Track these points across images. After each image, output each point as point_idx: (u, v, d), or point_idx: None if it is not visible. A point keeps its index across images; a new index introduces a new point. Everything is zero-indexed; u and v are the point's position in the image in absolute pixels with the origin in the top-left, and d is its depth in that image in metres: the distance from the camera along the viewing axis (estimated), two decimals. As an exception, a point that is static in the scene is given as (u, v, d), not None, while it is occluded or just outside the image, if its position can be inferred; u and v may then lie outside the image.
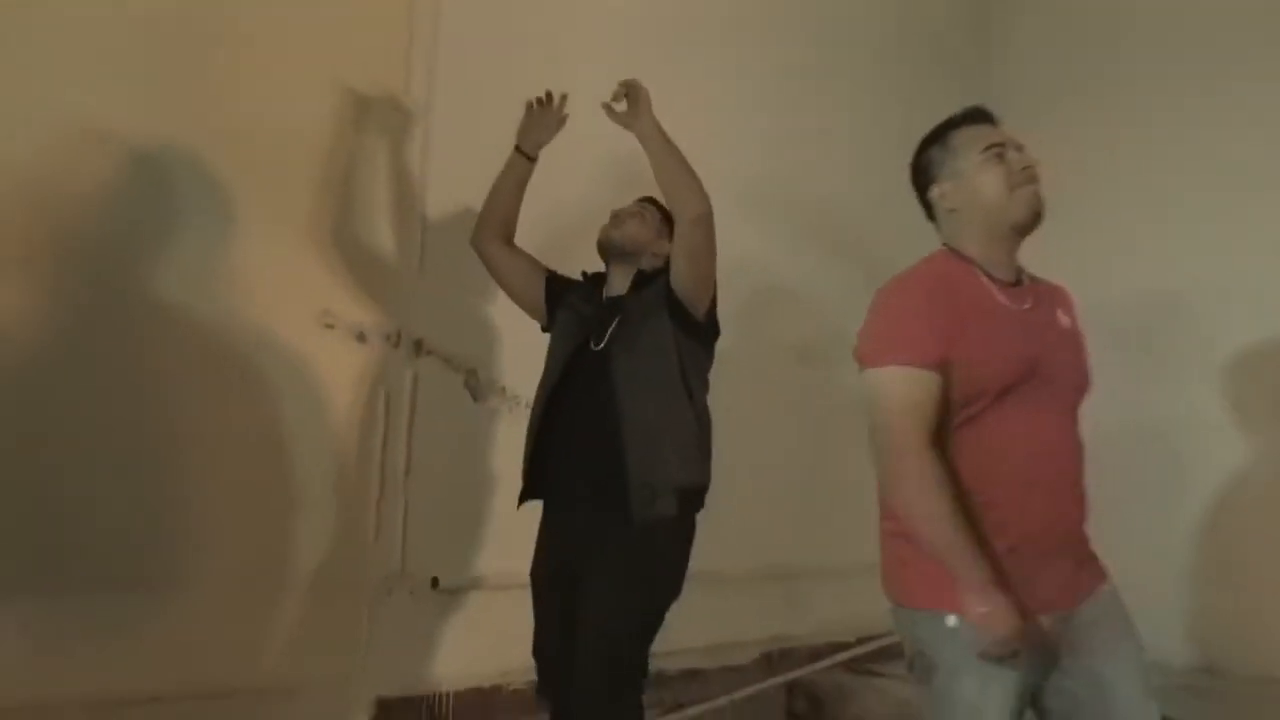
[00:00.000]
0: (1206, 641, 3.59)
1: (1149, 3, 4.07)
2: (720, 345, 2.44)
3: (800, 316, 3.77)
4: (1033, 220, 1.70)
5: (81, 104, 2.29)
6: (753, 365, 3.26)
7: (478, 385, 2.91)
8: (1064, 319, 1.78)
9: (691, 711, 3.18)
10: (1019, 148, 1.72)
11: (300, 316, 2.60)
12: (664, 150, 2.29)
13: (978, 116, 1.77)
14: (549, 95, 2.56)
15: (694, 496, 2.31)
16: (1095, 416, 1.81)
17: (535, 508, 2.43)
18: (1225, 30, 3.82)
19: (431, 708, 2.77)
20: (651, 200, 2.47)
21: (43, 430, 2.23)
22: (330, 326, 2.64)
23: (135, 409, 2.34)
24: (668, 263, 2.36)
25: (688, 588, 2.32)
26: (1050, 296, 1.80)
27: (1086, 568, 1.69)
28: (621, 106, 2.34)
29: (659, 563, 2.27)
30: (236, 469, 2.48)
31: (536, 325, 2.60)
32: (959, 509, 1.55)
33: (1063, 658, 1.64)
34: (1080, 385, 1.74)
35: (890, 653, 3.42)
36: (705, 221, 2.26)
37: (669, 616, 2.30)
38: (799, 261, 3.76)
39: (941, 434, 1.61)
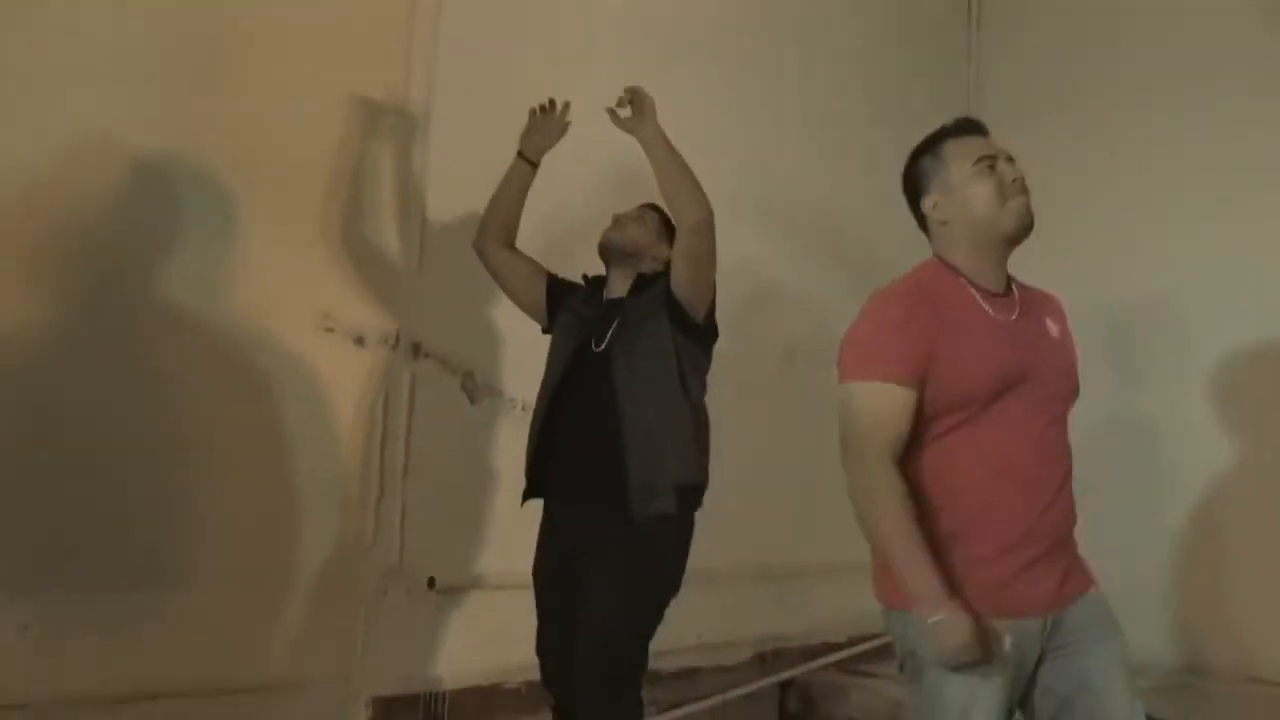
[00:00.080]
0: (1192, 642, 3.62)
1: (1138, 9, 4.10)
2: (715, 346, 2.47)
3: (792, 318, 3.80)
4: (1023, 232, 1.73)
5: (86, 110, 2.31)
6: (746, 366, 3.29)
7: (475, 387, 2.94)
8: (1053, 327, 1.80)
9: (685, 711, 3.20)
10: (1010, 159, 1.74)
11: (300, 319, 2.62)
12: (667, 156, 2.33)
13: (969, 127, 1.79)
14: (551, 102, 2.59)
15: (692, 495, 2.34)
16: (1081, 419, 1.84)
17: (534, 507, 2.46)
18: (1212, 38, 3.85)
19: (428, 706, 2.79)
20: (653, 206, 2.51)
21: (45, 430, 2.25)
22: (330, 330, 2.66)
23: (136, 409, 2.36)
24: (668, 266, 2.39)
25: (682, 587, 2.35)
26: (1040, 305, 1.82)
27: (1074, 572, 1.72)
28: (626, 112, 2.38)
29: (658, 560, 2.31)
30: (236, 470, 2.50)
31: (533, 328, 2.63)
32: (913, 523, 1.59)
33: (1050, 659, 1.67)
34: (1067, 393, 1.77)
35: (883, 653, 3.44)
36: (706, 227, 2.30)
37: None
38: (792, 263, 3.79)
39: (914, 446, 1.66)
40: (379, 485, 2.74)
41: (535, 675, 2.75)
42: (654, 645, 2.33)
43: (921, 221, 1.82)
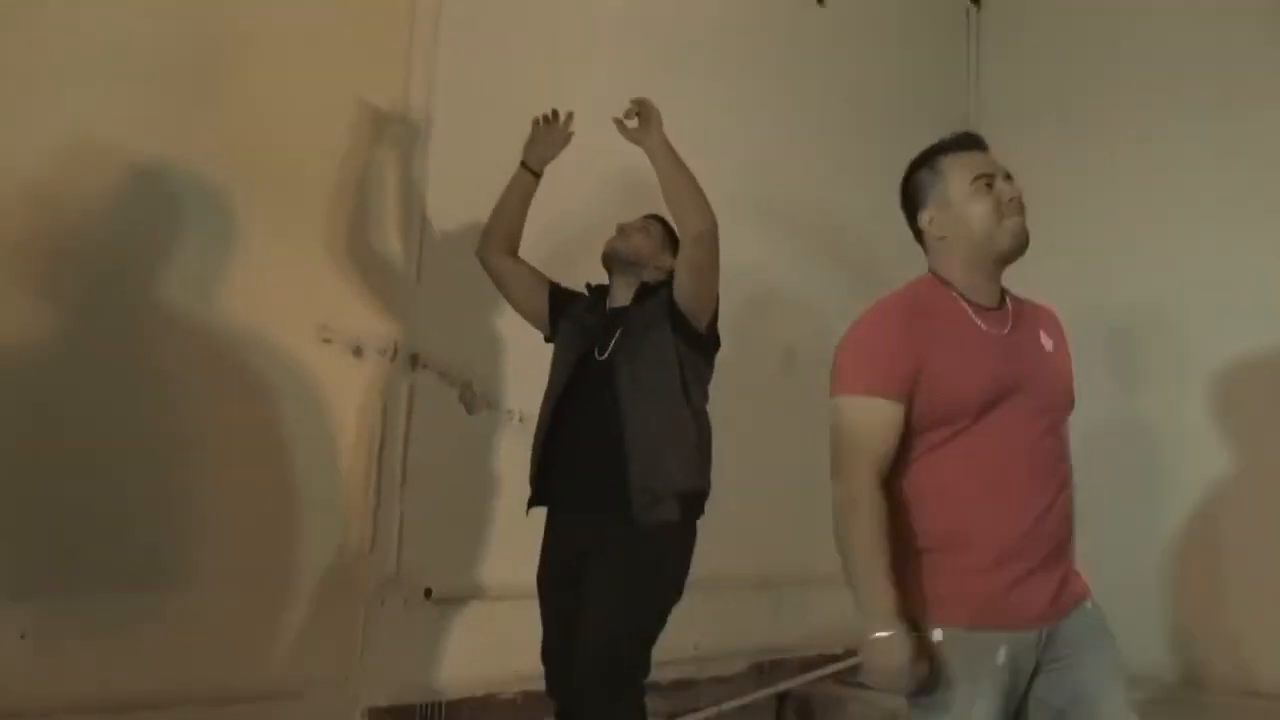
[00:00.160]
0: (1189, 654, 3.62)
1: (1137, 15, 4.13)
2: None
3: (792, 325, 3.82)
4: (1018, 252, 1.74)
5: (86, 114, 2.32)
6: (744, 372, 3.30)
7: (472, 398, 2.95)
8: (1047, 340, 1.81)
9: (682, 721, 3.21)
10: (1008, 177, 1.75)
11: (300, 329, 2.62)
12: (673, 167, 2.36)
13: (968, 142, 1.79)
14: (554, 113, 2.61)
15: (695, 502, 2.37)
16: (1078, 424, 1.85)
17: (533, 517, 2.48)
18: (1211, 43, 3.88)
19: (425, 717, 2.79)
20: (657, 216, 2.54)
21: (44, 434, 2.26)
22: (328, 340, 2.67)
23: (135, 415, 2.37)
24: (671, 276, 2.42)
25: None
26: (1034, 318, 1.83)
27: (1069, 583, 1.72)
28: (633, 123, 2.40)
29: (660, 566, 2.32)
30: (235, 478, 2.51)
31: (531, 339, 2.64)
32: (884, 541, 1.61)
33: (1044, 672, 1.67)
34: (1061, 404, 1.77)
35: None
36: (710, 238, 2.32)
37: (659, 627, 2.35)
38: (792, 267, 3.81)
39: (907, 458, 1.67)
40: (377, 495, 2.75)
41: (532, 685, 2.76)
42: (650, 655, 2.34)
43: (917, 234, 1.82)
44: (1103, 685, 1.69)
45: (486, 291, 2.72)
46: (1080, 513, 1.79)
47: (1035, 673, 1.67)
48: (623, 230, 2.54)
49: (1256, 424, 3.60)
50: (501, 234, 2.60)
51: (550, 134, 2.61)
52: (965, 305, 1.73)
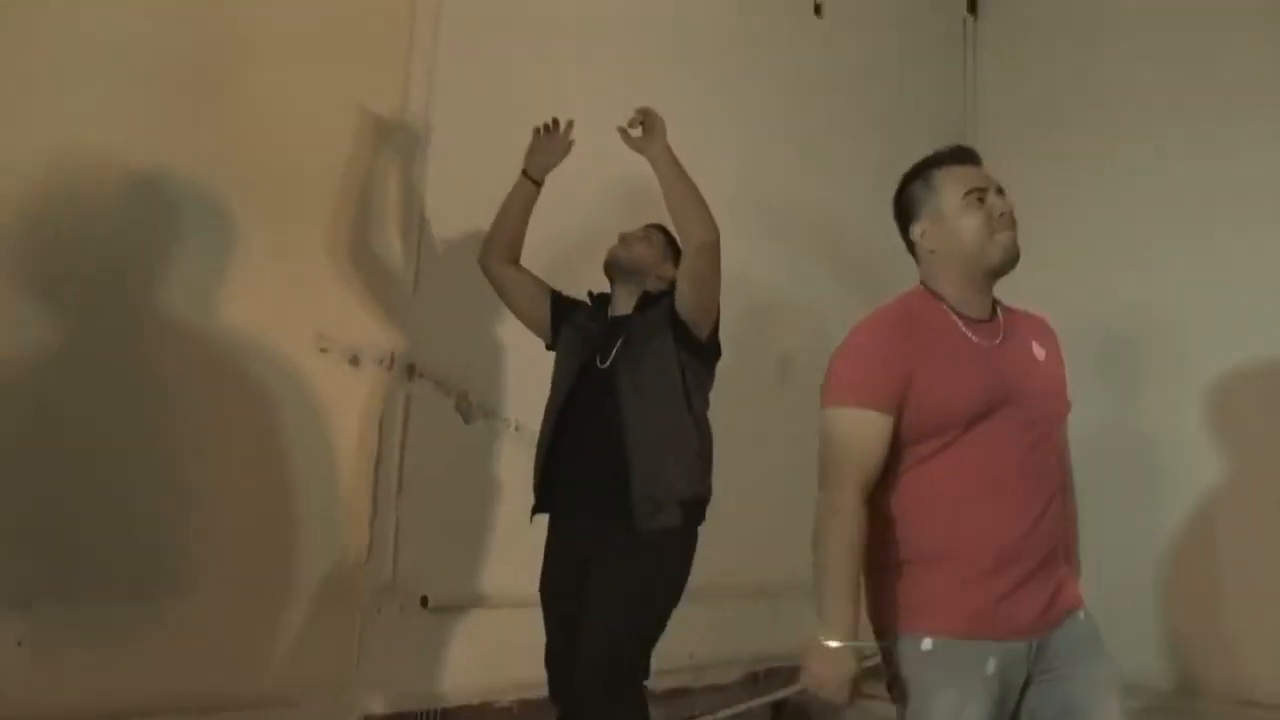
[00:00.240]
0: (1185, 663, 3.62)
1: (1136, 25, 4.16)
2: (713, 361, 2.50)
3: (790, 333, 3.83)
4: (1008, 266, 1.75)
5: (87, 124, 2.34)
6: (740, 380, 3.31)
7: (469, 408, 2.96)
8: (1039, 350, 1.81)
9: (677, 730, 3.21)
10: (1000, 191, 1.76)
11: (297, 338, 2.64)
12: (676, 177, 2.37)
13: (961, 156, 1.80)
14: (555, 122, 2.62)
15: (696, 508, 2.39)
16: (1075, 433, 1.87)
17: (530, 526, 2.48)
18: (1208, 54, 3.90)
19: (421, 725, 2.80)
20: (659, 226, 2.55)
21: (44, 440, 2.27)
22: (325, 350, 2.69)
23: (133, 422, 2.38)
24: (672, 285, 2.44)
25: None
26: (1026, 328, 1.84)
27: (1061, 594, 1.72)
28: (637, 132, 2.42)
29: (661, 571, 2.34)
30: (233, 485, 2.52)
31: (528, 349, 2.65)
32: (857, 554, 1.63)
33: (1035, 683, 1.68)
34: (1053, 414, 1.78)
35: (875, 672, 3.45)
36: (712, 249, 2.34)
37: (654, 636, 2.35)
38: (788, 277, 3.83)
39: (897, 470, 1.69)
40: (373, 503, 2.76)
41: (529, 693, 2.77)
42: (645, 663, 2.35)
43: (910, 246, 1.84)
44: (1094, 697, 1.69)
45: (484, 301, 2.73)
46: (1078, 518, 1.81)
47: (1027, 684, 1.68)
48: (625, 239, 2.57)
49: (1253, 431, 3.61)
50: (503, 242, 2.62)
51: (551, 143, 2.63)
52: (956, 318, 1.75)
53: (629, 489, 2.29)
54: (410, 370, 2.85)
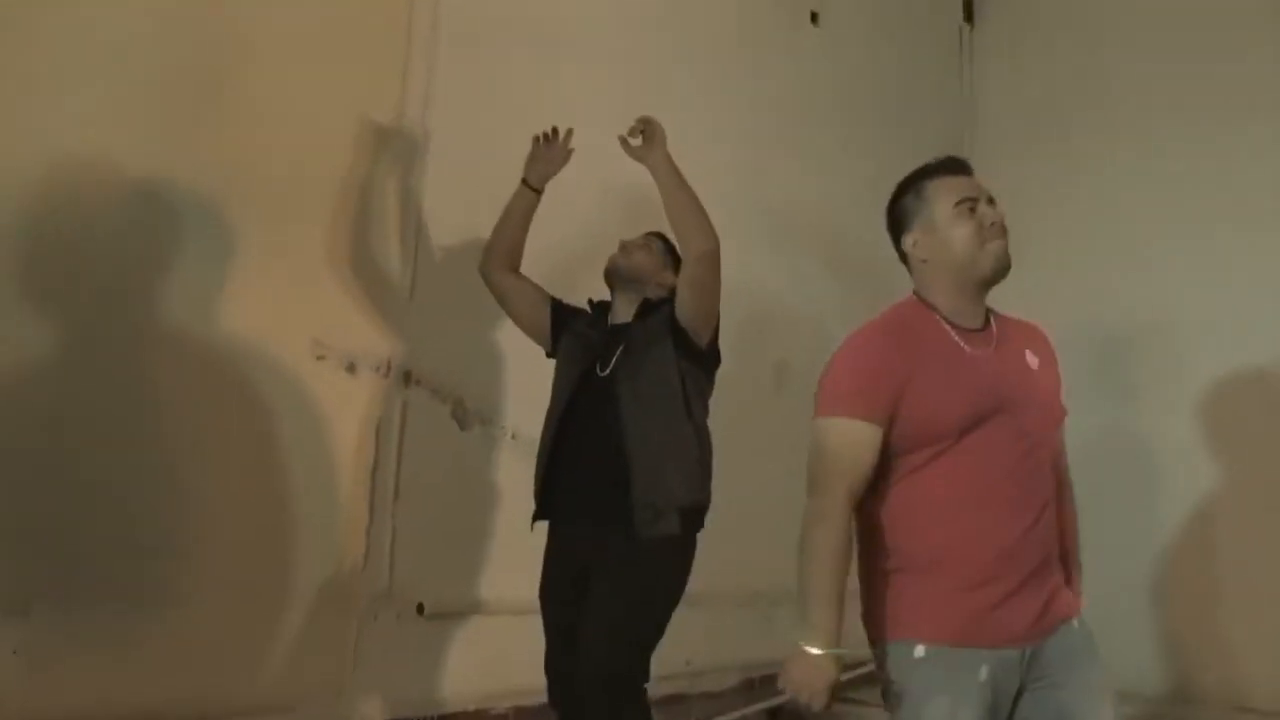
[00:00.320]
0: (1180, 668, 3.63)
1: (1134, 33, 4.18)
2: (711, 369, 2.51)
3: (786, 341, 3.83)
4: (999, 275, 1.77)
5: (85, 130, 2.34)
6: (736, 387, 3.32)
7: (465, 415, 2.97)
8: (1032, 359, 1.82)
9: (673, 737, 3.21)
10: (991, 201, 1.78)
11: (294, 345, 2.64)
12: (676, 186, 2.39)
13: (952, 167, 1.82)
14: (555, 130, 2.63)
15: (695, 516, 2.40)
16: (1071, 438, 1.88)
17: (526, 533, 2.49)
18: (1205, 65, 3.92)
19: (417, 731, 2.81)
20: (659, 234, 2.57)
21: (40, 448, 2.27)
22: (322, 357, 2.69)
23: (128, 430, 2.38)
24: (672, 292, 2.45)
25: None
26: (1020, 336, 1.85)
27: (1055, 601, 1.72)
28: (637, 141, 2.44)
29: (661, 578, 2.35)
30: (229, 492, 2.52)
31: (524, 357, 2.67)
32: (843, 562, 1.65)
33: (1029, 691, 1.68)
34: (1047, 421, 1.79)
35: (871, 679, 3.45)
36: (712, 257, 2.35)
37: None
38: (786, 284, 3.84)
39: (890, 479, 1.70)
40: (370, 510, 2.76)
41: (525, 700, 2.78)
42: (641, 670, 2.35)
43: (903, 257, 1.85)
44: (1086, 703, 1.70)
45: (480, 308, 2.74)
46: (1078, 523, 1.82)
47: (1020, 692, 1.68)
48: (625, 247, 2.58)
49: (1250, 434, 3.63)
50: (503, 250, 2.63)
51: (550, 151, 2.64)
52: (948, 327, 1.76)
53: (629, 496, 2.30)
54: (406, 377, 2.86)
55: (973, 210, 1.75)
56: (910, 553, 1.70)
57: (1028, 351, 1.83)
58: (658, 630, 2.36)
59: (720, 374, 2.55)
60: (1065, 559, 1.82)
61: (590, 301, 2.64)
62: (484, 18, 3.08)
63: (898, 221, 1.84)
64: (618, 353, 2.42)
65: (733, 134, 3.71)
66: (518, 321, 2.67)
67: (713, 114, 3.60)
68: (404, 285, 2.88)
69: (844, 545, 1.66)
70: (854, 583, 1.77)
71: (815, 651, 1.62)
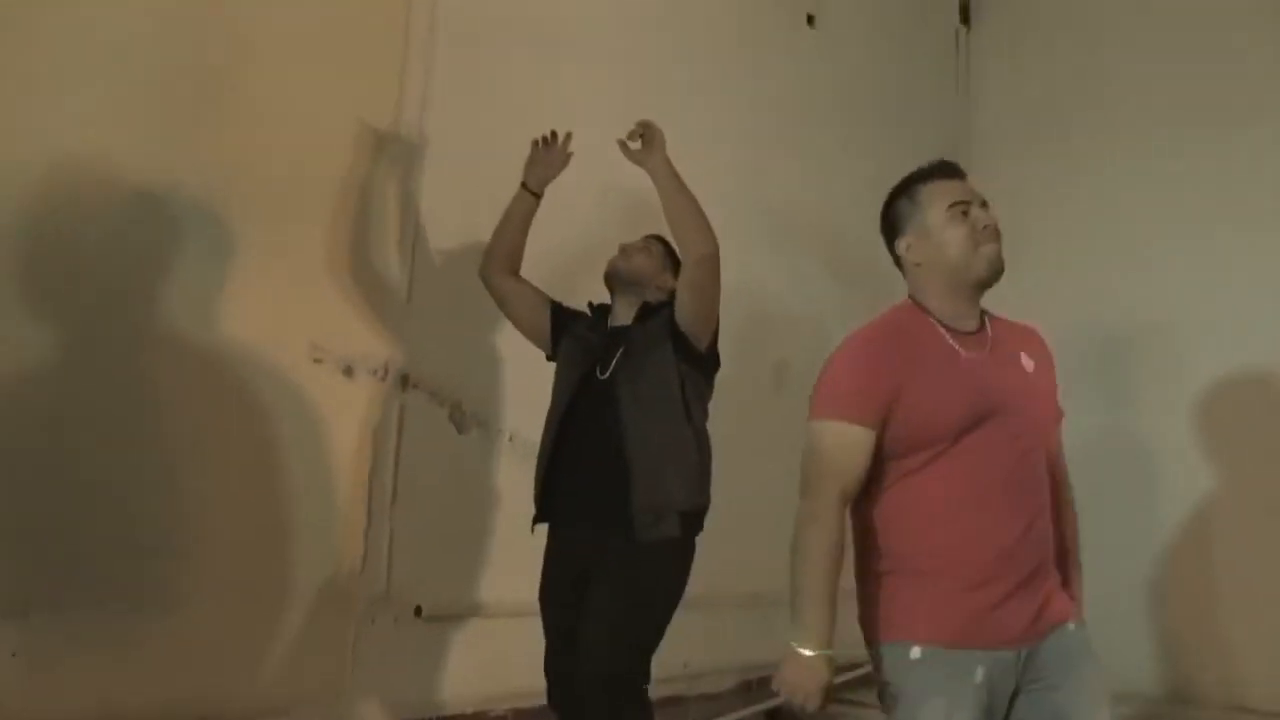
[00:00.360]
0: (1178, 668, 3.64)
1: (1130, 36, 4.19)
2: (710, 372, 2.51)
3: (785, 342, 3.84)
4: (993, 278, 1.77)
5: (84, 134, 2.35)
6: (734, 390, 3.33)
7: (462, 418, 2.97)
8: (1028, 361, 1.82)
9: (671, 739, 3.21)
10: (984, 204, 1.78)
11: (292, 348, 2.65)
12: (675, 190, 2.40)
13: (945, 171, 1.83)
14: (553, 134, 2.64)
15: (695, 519, 2.41)
16: (1070, 438, 1.89)
17: (524, 535, 2.49)
18: (1200, 69, 3.93)
19: (415, 734, 2.81)
20: (659, 237, 2.57)
21: (37, 450, 2.27)
22: (319, 360, 2.69)
23: (126, 432, 2.39)
24: (672, 295, 2.46)
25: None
26: (1015, 339, 1.85)
27: (1051, 603, 1.73)
28: (636, 144, 2.44)
29: (661, 580, 2.36)
30: (227, 495, 2.53)
31: (522, 359, 2.67)
32: (834, 565, 1.66)
33: (1024, 693, 1.68)
34: (1042, 424, 1.80)
35: (868, 681, 3.45)
36: (711, 261, 2.36)
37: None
38: (784, 286, 3.85)
39: (885, 482, 1.71)
40: (367, 513, 2.76)
41: (523, 702, 2.78)
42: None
43: (897, 261, 1.86)
44: (1081, 705, 1.70)
45: (478, 311, 2.75)
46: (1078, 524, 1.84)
47: (1016, 694, 1.69)
48: (625, 250, 2.59)
49: (1248, 435, 3.63)
50: (503, 254, 2.64)
51: (549, 155, 2.65)
52: (943, 331, 1.76)
53: (629, 499, 2.31)
54: (404, 380, 2.86)
55: (965, 213, 1.76)
56: (905, 555, 1.70)
57: (1023, 354, 1.83)
58: (658, 632, 2.37)
59: (719, 375, 2.56)
60: (1065, 560, 1.83)
61: (590, 304, 2.64)
62: (482, 19, 3.08)
63: (892, 226, 1.85)
64: (617, 356, 2.43)
65: (730, 135, 3.72)
66: (518, 325, 2.67)
67: (711, 115, 3.61)
68: (402, 288, 2.88)
69: (836, 547, 1.66)
70: (851, 584, 1.78)
71: (808, 653, 1.63)
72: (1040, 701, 1.69)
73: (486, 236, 2.69)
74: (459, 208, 2.91)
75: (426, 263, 2.93)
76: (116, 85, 2.40)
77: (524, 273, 2.66)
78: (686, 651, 3.21)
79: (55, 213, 2.31)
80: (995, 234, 1.76)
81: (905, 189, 1.84)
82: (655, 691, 3.08)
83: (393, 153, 2.88)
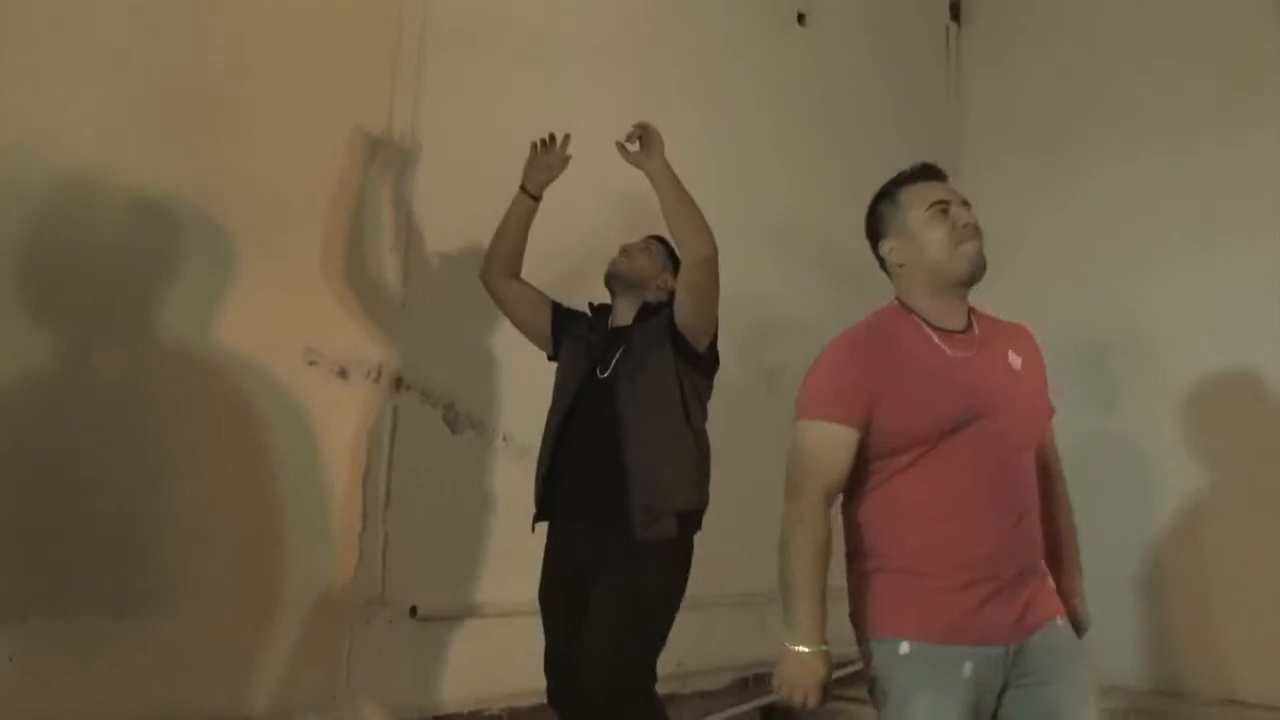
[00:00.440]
0: (1166, 664, 3.65)
1: (1119, 44, 4.19)
2: (708, 373, 2.52)
3: (778, 344, 3.84)
4: (974, 276, 1.78)
5: (80, 142, 2.36)
6: (729, 390, 3.34)
7: (456, 419, 2.98)
8: (1016, 359, 1.83)
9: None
10: (964, 204, 1.80)
11: (286, 351, 2.66)
12: (674, 192, 2.41)
13: (926, 173, 1.84)
14: (552, 136, 2.65)
15: (693, 519, 2.42)
16: (1061, 440, 1.91)
17: (521, 536, 2.50)
18: (1190, 76, 3.94)
19: (410, 734, 2.82)
20: (659, 238, 2.59)
21: (33, 457, 2.28)
22: (314, 363, 2.70)
23: (122, 439, 2.39)
24: (672, 295, 2.47)
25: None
26: (1003, 337, 1.86)
27: (1038, 600, 1.74)
28: (635, 147, 2.45)
29: (660, 580, 2.37)
30: (222, 499, 2.53)
31: (516, 360, 2.69)
32: (821, 562, 1.68)
33: (1012, 688, 1.70)
34: (1030, 422, 1.81)
35: (859, 677, 3.46)
36: (710, 262, 2.38)
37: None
38: (775, 287, 3.84)
39: (871, 481, 1.73)
40: (361, 515, 2.77)
41: (519, 702, 2.79)
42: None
43: (882, 264, 1.87)
44: (1071, 701, 1.71)
45: (471, 313, 2.76)
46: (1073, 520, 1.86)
47: (1004, 690, 1.70)
48: (626, 251, 2.60)
49: (1238, 435, 3.65)
50: (503, 257, 2.65)
51: (548, 158, 2.66)
52: (929, 331, 1.77)
53: (627, 498, 2.32)
54: (398, 382, 2.87)
55: (945, 212, 1.78)
56: (893, 554, 1.72)
57: (1011, 352, 1.84)
58: (661, 639, 2.39)
59: (716, 375, 2.57)
60: (1061, 553, 1.86)
61: (590, 304, 2.66)
62: (474, 23, 3.09)
63: (875, 229, 1.87)
64: (618, 355, 2.44)
65: (718, 134, 3.72)
66: (519, 327, 2.68)
67: (698, 115, 3.60)
68: (395, 291, 2.89)
69: (823, 544, 1.68)
70: (842, 582, 1.80)
71: (804, 649, 1.64)
72: (1029, 697, 1.70)
73: (479, 239, 2.70)
74: (452, 211, 2.92)
75: (420, 266, 2.93)
76: (113, 93, 2.42)
77: (525, 275, 2.67)
78: (682, 650, 3.19)
79: (53, 218, 2.32)
80: (975, 232, 1.77)
81: (887, 192, 1.86)
82: (651, 690, 3.10)
83: (386, 157, 2.89)
